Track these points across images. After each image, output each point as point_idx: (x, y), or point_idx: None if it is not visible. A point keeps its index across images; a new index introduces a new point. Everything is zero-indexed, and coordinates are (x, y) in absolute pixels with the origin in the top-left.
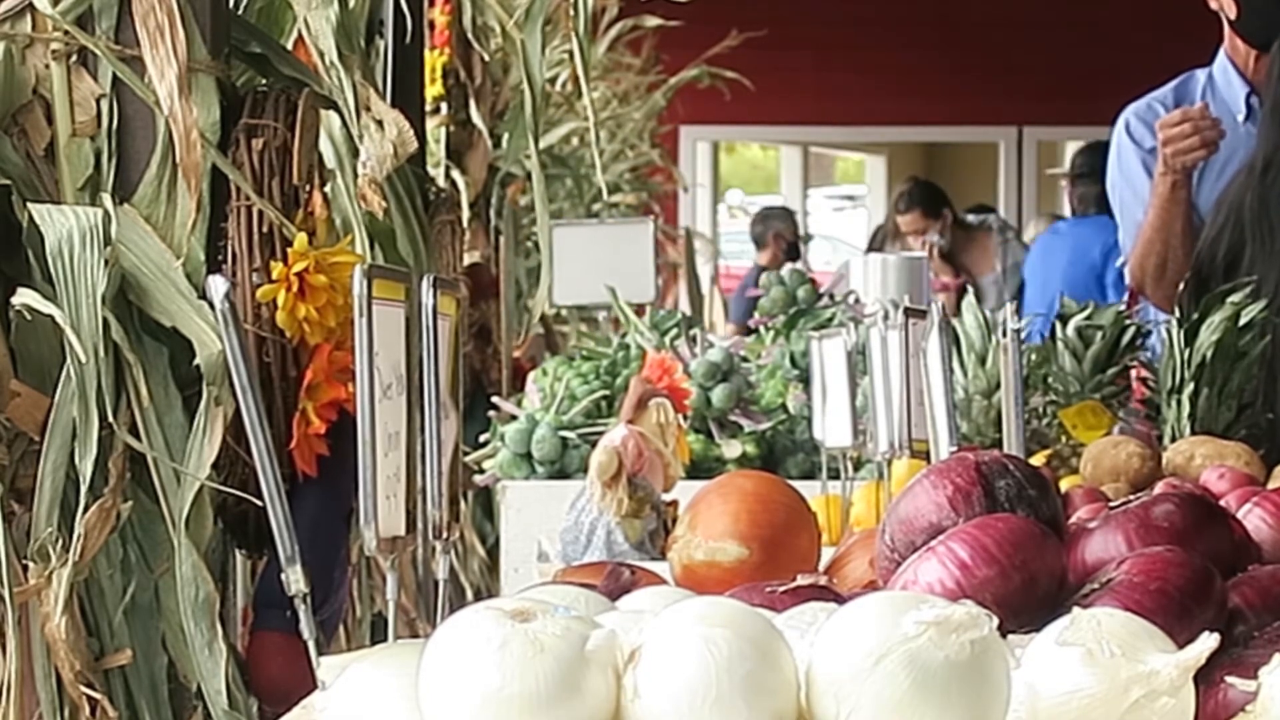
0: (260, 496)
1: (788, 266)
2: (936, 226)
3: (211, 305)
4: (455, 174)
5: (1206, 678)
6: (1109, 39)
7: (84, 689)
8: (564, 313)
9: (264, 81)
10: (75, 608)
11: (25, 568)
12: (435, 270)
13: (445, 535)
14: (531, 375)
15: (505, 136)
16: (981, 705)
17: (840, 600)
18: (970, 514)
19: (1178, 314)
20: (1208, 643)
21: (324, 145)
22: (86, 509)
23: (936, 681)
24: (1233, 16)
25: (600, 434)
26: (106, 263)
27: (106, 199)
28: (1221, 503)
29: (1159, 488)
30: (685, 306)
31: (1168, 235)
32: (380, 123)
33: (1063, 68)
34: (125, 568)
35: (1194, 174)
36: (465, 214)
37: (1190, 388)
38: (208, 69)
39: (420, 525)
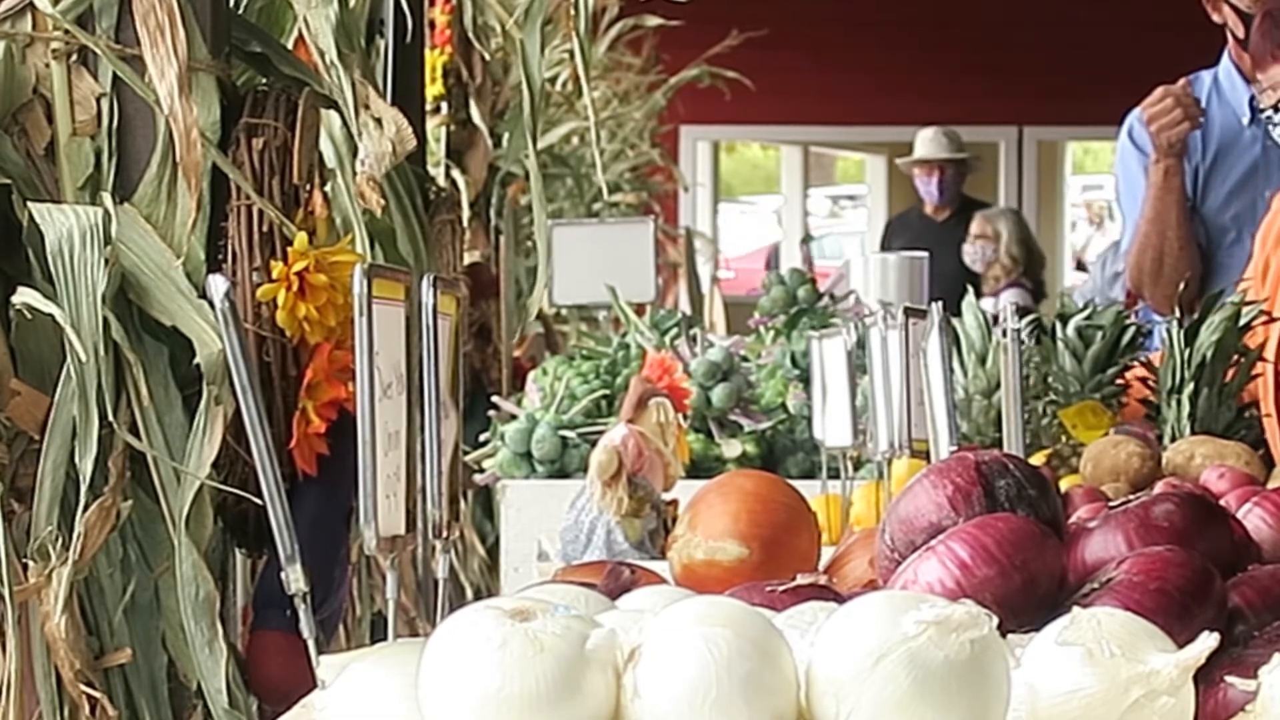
0: (260, 496)
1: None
2: None
3: (211, 304)
4: (455, 173)
5: (1206, 677)
6: (1109, 39)
7: (84, 688)
8: (564, 312)
9: (264, 81)
10: (75, 607)
11: (25, 566)
12: (435, 269)
13: (445, 535)
14: (531, 375)
15: (505, 136)
16: (981, 705)
17: (840, 600)
18: (970, 514)
19: (1177, 314)
20: (1208, 642)
21: (324, 144)
22: (86, 508)
23: (936, 681)
24: (1240, 35)
25: (600, 433)
26: (106, 262)
27: (106, 198)
28: (1221, 503)
29: (1159, 488)
30: (685, 306)
31: (1163, 227)
32: (379, 120)
33: (1063, 68)
34: (125, 567)
35: (1189, 167)
36: (465, 213)
37: (1190, 388)
38: (208, 68)
39: (420, 524)
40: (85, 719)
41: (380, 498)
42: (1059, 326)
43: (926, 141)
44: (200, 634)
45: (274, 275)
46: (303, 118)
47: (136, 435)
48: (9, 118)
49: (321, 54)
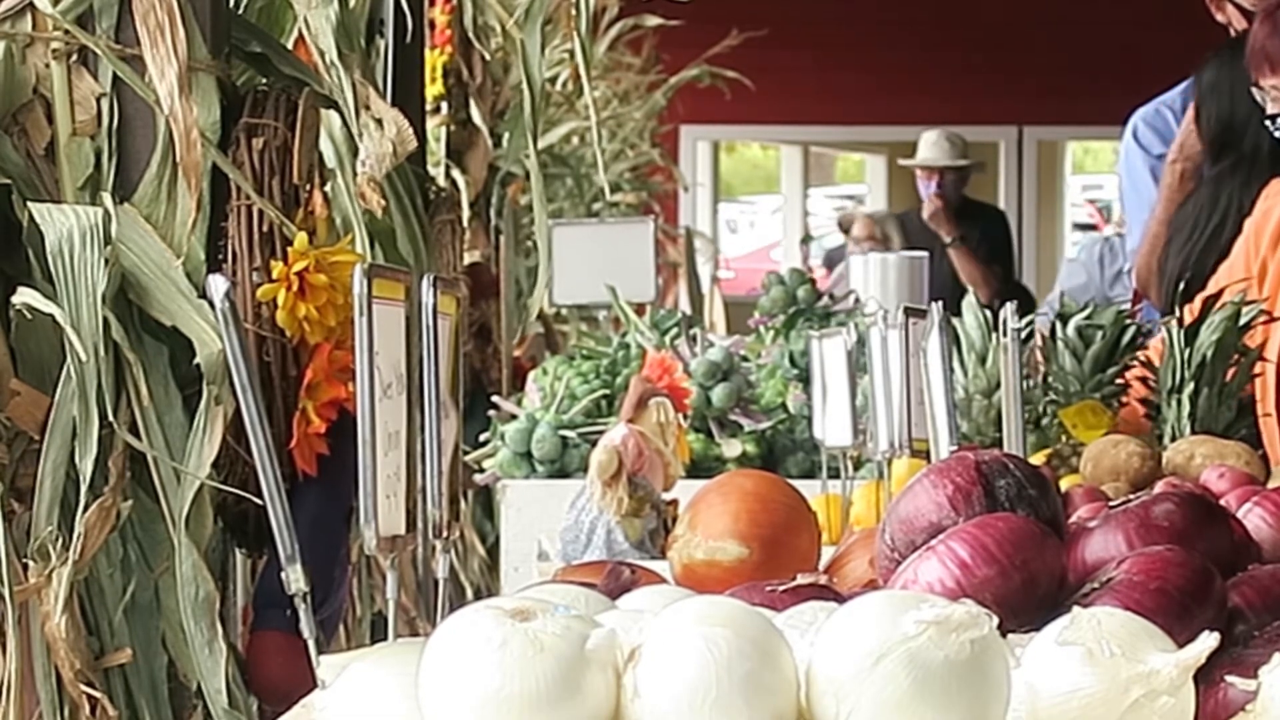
0: (260, 496)
1: (787, 268)
2: None
3: (211, 304)
4: (455, 173)
5: (1206, 677)
6: (1110, 38)
7: (84, 688)
8: (564, 312)
9: (264, 81)
10: (75, 607)
11: (25, 566)
12: (435, 269)
13: (445, 534)
14: (531, 375)
15: (505, 136)
16: (981, 705)
17: (840, 600)
18: (970, 513)
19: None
20: (1208, 642)
21: (324, 144)
22: (86, 508)
23: (936, 681)
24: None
25: (600, 433)
26: (106, 262)
27: (107, 198)
28: (1221, 502)
29: (1159, 487)
30: (685, 306)
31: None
32: (380, 121)
33: (1063, 68)
34: (125, 567)
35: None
36: (465, 213)
37: (1190, 388)
38: (208, 68)
39: (420, 524)
40: (85, 719)
41: (380, 498)
42: (1059, 326)
43: (929, 145)
44: (200, 634)
45: (274, 275)
46: (303, 118)
47: (136, 435)
48: (9, 118)
49: (321, 54)
